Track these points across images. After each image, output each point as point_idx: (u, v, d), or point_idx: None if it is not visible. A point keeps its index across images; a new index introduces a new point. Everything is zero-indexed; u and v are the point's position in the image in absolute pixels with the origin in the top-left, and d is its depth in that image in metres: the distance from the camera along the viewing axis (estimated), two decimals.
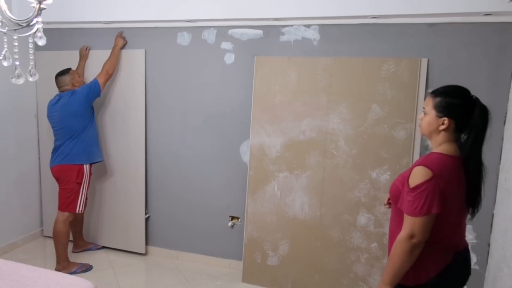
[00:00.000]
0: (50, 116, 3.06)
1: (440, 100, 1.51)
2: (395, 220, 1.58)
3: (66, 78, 3.03)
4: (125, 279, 3.04)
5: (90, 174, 3.12)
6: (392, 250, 1.49)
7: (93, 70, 3.28)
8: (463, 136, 1.51)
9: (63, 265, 3.04)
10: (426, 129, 1.55)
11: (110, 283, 2.97)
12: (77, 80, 3.08)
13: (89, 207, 3.46)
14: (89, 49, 3.35)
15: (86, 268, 3.15)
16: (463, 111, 1.48)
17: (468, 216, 1.59)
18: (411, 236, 1.43)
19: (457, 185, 1.47)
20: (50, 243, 3.57)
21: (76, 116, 2.97)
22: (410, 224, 1.43)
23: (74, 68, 3.26)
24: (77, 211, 3.04)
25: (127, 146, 3.31)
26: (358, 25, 2.68)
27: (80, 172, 3.02)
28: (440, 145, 1.52)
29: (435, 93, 1.55)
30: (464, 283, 1.64)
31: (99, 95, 3.06)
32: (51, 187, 3.56)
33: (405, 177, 1.49)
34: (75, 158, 3.00)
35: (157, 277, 3.08)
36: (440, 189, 1.41)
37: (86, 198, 3.14)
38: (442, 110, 1.50)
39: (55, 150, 3.06)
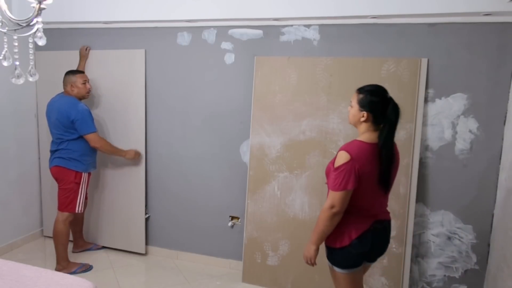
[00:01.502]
0: (47, 115, 3.04)
1: (363, 97, 1.81)
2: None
3: (70, 79, 2.97)
4: (125, 279, 3.04)
5: (89, 174, 3.14)
6: (319, 217, 1.82)
7: (93, 70, 3.28)
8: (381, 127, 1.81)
9: (63, 265, 3.04)
10: (352, 120, 1.87)
11: (110, 283, 2.97)
12: (78, 86, 2.97)
13: (89, 207, 3.46)
14: (89, 49, 3.34)
15: (86, 268, 3.15)
16: (379, 107, 1.78)
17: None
18: (332, 207, 1.75)
19: (372, 168, 1.77)
20: (50, 243, 3.57)
21: (68, 128, 2.94)
22: (331, 197, 1.75)
23: (68, 64, 3.25)
24: (76, 211, 3.04)
25: (127, 146, 3.30)
26: (358, 25, 2.68)
27: (78, 174, 3.02)
28: (362, 134, 1.83)
29: (360, 90, 1.83)
30: (383, 249, 1.95)
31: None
32: (51, 187, 3.56)
33: (335, 158, 1.81)
34: (71, 164, 2.98)
35: (157, 277, 3.08)
36: (355, 170, 1.71)
37: (86, 198, 3.14)
38: (363, 105, 1.80)
39: (53, 151, 3.05)
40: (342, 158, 1.74)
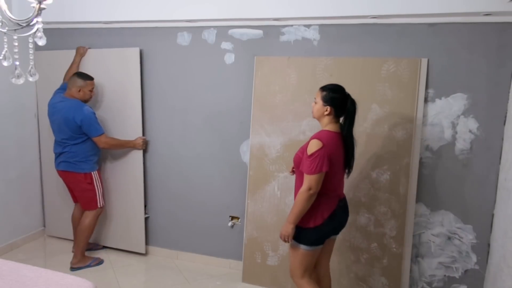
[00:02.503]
0: (50, 116, 3.05)
1: (326, 94, 2.09)
2: (298, 180, 2.13)
3: (79, 82, 2.96)
4: (125, 279, 3.04)
5: (98, 171, 3.17)
6: (296, 199, 2.04)
7: (89, 69, 3.27)
8: (342, 120, 2.12)
9: (79, 258, 3.14)
10: (316, 114, 2.14)
11: (110, 283, 2.97)
12: (85, 92, 2.98)
13: None
14: (86, 49, 3.30)
15: (99, 261, 3.25)
16: (340, 102, 2.08)
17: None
18: (309, 189, 1.98)
19: (339, 153, 2.08)
20: (51, 243, 3.58)
21: (74, 132, 2.96)
22: (308, 180, 1.98)
23: (68, 64, 3.26)
24: (99, 207, 3.13)
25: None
26: (358, 25, 2.68)
27: (88, 175, 3.06)
28: (327, 125, 2.10)
29: (323, 89, 2.12)
30: (344, 224, 2.26)
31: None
32: (53, 187, 3.58)
33: (304, 148, 2.05)
34: (78, 167, 3.02)
35: (157, 277, 3.08)
36: (327, 155, 1.98)
37: (103, 190, 3.20)
38: (326, 101, 2.08)
39: (58, 154, 3.06)
40: (315, 145, 1.99)
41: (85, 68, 3.29)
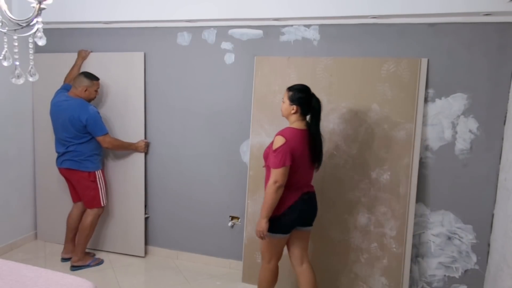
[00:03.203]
0: (53, 115, 3.04)
1: (292, 94, 2.22)
2: (267, 175, 2.24)
3: (86, 82, 2.96)
4: (125, 279, 3.04)
5: (102, 170, 3.19)
6: (265, 193, 2.18)
7: (96, 74, 3.28)
8: (308, 118, 2.26)
9: (80, 257, 3.14)
10: (284, 112, 2.28)
11: (110, 283, 2.97)
12: (90, 92, 3.00)
13: None
14: (89, 53, 3.31)
15: (99, 261, 3.24)
16: (305, 101, 2.21)
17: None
18: (275, 181, 2.12)
19: (303, 149, 2.19)
20: (50, 244, 3.57)
21: (79, 131, 2.97)
22: (274, 173, 2.12)
23: (67, 66, 3.25)
24: (102, 205, 3.14)
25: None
26: (358, 25, 2.68)
27: (92, 173, 3.07)
28: (293, 123, 2.24)
29: (290, 89, 2.25)
30: (313, 216, 2.39)
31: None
32: (47, 190, 3.54)
33: (271, 144, 2.19)
34: (83, 166, 3.03)
35: (157, 277, 3.08)
36: (290, 150, 2.12)
37: (106, 189, 3.21)
38: (293, 100, 2.21)
39: (61, 153, 3.05)
40: (279, 141, 2.14)
41: (88, 71, 3.30)
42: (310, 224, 2.39)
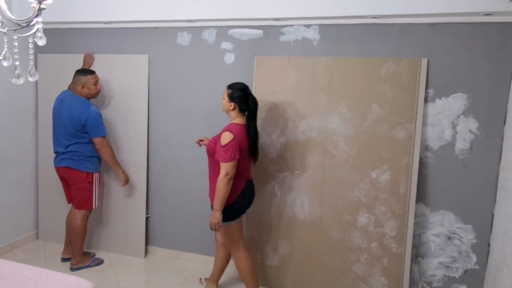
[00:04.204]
0: (55, 111, 3.03)
1: (230, 92, 2.44)
2: (211, 167, 2.52)
3: (82, 79, 2.95)
4: (125, 279, 3.04)
5: (99, 173, 3.17)
6: (217, 186, 2.34)
7: (100, 76, 3.27)
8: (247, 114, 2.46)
9: (78, 259, 3.12)
10: (224, 108, 2.50)
11: (110, 283, 2.97)
12: (89, 87, 2.97)
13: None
14: (93, 58, 3.31)
15: (99, 261, 3.24)
16: (242, 99, 2.42)
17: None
18: (226, 174, 2.31)
19: (245, 142, 2.41)
20: (50, 244, 3.57)
21: (78, 131, 2.96)
22: (225, 167, 2.31)
23: (70, 67, 3.21)
24: (93, 207, 3.12)
25: (129, 149, 3.31)
26: (358, 25, 2.68)
27: (90, 174, 3.06)
28: (235, 119, 2.46)
29: (229, 87, 2.46)
30: (251, 202, 2.61)
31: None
32: (49, 189, 3.55)
33: (217, 139, 2.40)
34: (82, 166, 3.01)
35: (157, 277, 3.08)
36: (238, 144, 2.33)
37: (99, 192, 3.17)
38: (231, 98, 2.43)
39: (60, 153, 3.03)
40: (228, 137, 2.33)
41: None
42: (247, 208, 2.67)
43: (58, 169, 3.08)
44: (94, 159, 3.06)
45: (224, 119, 3.10)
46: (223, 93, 2.48)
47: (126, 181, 3.20)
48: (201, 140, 2.77)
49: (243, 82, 2.66)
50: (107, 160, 3.07)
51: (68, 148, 2.98)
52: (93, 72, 3.02)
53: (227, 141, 2.31)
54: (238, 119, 2.45)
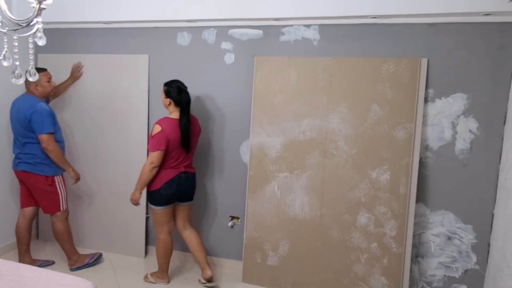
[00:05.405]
0: (11, 113, 2.93)
1: (166, 89, 2.71)
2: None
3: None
4: (125, 279, 3.04)
5: (62, 176, 3.02)
6: (141, 170, 2.66)
7: (95, 74, 3.29)
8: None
9: (75, 259, 3.10)
10: (163, 104, 2.75)
11: (110, 283, 2.97)
12: (43, 85, 2.86)
13: (88, 209, 3.46)
14: (82, 72, 3.29)
15: (97, 256, 3.22)
16: (175, 95, 2.68)
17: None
18: (151, 162, 2.61)
19: (176, 135, 2.64)
20: (50, 244, 3.57)
21: (25, 129, 2.82)
22: (151, 156, 2.62)
23: (62, 80, 3.23)
24: (62, 210, 3.00)
25: (129, 149, 3.30)
26: (358, 25, 2.68)
27: (49, 178, 2.93)
28: (171, 113, 2.71)
29: (165, 84, 2.74)
30: (190, 193, 2.89)
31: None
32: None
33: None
34: (38, 169, 2.88)
35: None
36: (165, 136, 2.59)
37: (67, 194, 3.05)
38: (166, 94, 2.71)
39: (16, 154, 2.94)
40: (156, 129, 2.61)
41: (92, 73, 3.33)
42: (190, 199, 2.90)
43: (16, 172, 2.97)
44: (50, 162, 2.90)
45: (224, 119, 3.11)
46: (161, 91, 2.73)
47: (77, 179, 3.06)
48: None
49: (243, 82, 2.68)
50: (55, 159, 2.87)
51: (24, 149, 2.87)
52: (45, 70, 2.93)
53: (154, 133, 2.60)
54: (174, 113, 2.70)
